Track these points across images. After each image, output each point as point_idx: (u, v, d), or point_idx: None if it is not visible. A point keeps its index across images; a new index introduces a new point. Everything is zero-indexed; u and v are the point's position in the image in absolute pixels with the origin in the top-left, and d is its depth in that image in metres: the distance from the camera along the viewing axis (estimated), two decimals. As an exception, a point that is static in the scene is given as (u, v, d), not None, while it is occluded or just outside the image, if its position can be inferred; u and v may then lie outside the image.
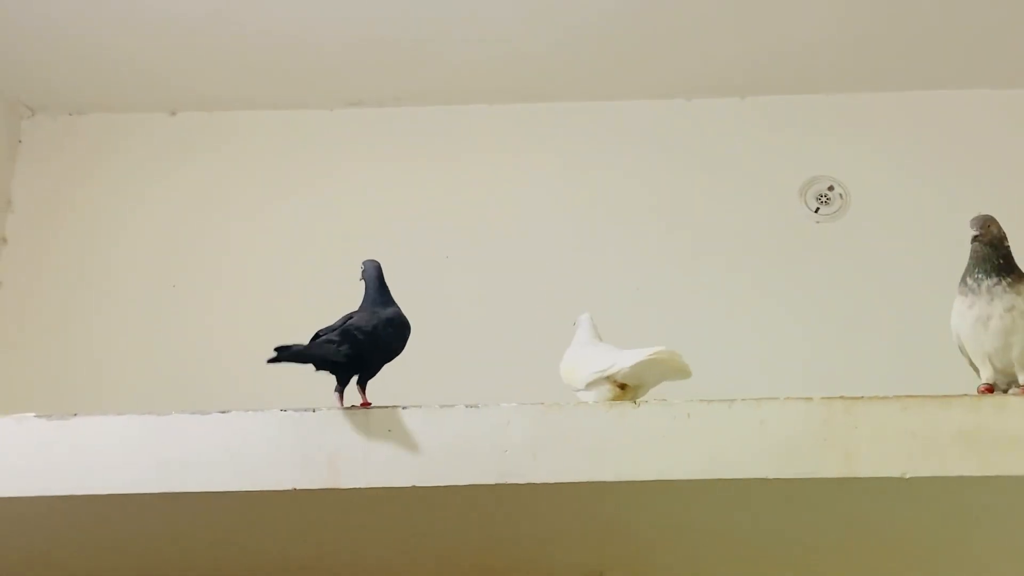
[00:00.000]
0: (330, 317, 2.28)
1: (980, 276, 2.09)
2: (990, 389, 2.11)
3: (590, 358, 2.15)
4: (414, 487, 1.97)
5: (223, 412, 2.03)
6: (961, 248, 2.13)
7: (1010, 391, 2.10)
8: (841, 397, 1.99)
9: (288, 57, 2.92)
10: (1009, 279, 2.07)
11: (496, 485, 1.97)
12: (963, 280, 2.11)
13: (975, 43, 2.88)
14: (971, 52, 2.91)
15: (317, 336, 2.09)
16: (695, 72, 2.98)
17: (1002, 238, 2.11)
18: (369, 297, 2.21)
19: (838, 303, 2.84)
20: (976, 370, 2.17)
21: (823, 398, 1.99)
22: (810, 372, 2.74)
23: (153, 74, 2.96)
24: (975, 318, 2.09)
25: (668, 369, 2.10)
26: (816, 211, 2.97)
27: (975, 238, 2.10)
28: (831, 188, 2.98)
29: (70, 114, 3.08)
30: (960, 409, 1.98)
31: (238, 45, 2.87)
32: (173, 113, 3.09)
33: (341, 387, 2.09)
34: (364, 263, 2.25)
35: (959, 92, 3.00)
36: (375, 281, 2.23)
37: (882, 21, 2.82)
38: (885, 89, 3.01)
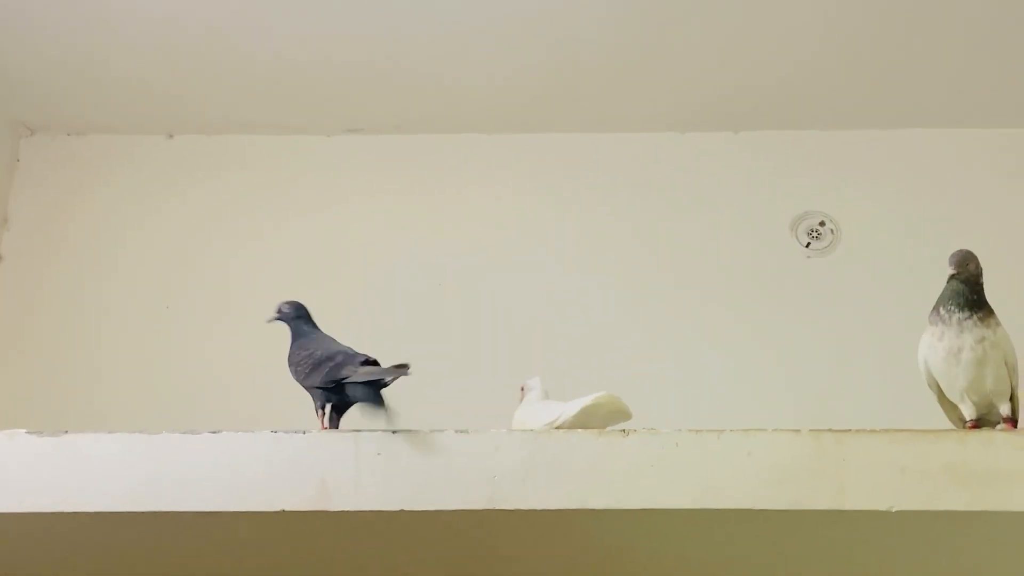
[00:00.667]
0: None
1: (952, 308, 2.12)
2: (976, 425, 2.13)
3: (538, 412, 2.20)
4: (403, 511, 1.97)
5: (214, 432, 2.03)
6: (950, 285, 2.15)
7: (998, 426, 2.12)
8: (830, 430, 2.00)
9: (287, 82, 2.93)
10: (980, 314, 2.11)
11: (485, 510, 1.97)
12: (935, 310, 2.14)
13: (965, 84, 2.91)
14: (961, 92, 2.94)
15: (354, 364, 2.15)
16: (689, 106, 3.00)
17: (978, 275, 2.14)
18: (315, 334, 2.27)
19: (828, 337, 2.85)
20: (944, 406, 2.20)
21: (812, 430, 2.00)
22: (799, 404, 2.74)
23: (152, 96, 2.97)
24: (946, 351, 2.11)
25: (610, 412, 2.13)
26: (807, 246, 2.99)
27: (953, 275, 2.13)
28: (822, 223, 2.99)
29: (68, 134, 3.08)
30: (948, 444, 1.99)
31: (237, 70, 2.88)
32: (171, 136, 3.10)
33: (323, 409, 2.14)
34: (289, 304, 2.31)
35: (949, 131, 3.02)
36: (309, 319, 2.30)
37: (875, 60, 2.85)
38: (877, 126, 3.03)
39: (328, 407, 2.16)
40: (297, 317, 2.31)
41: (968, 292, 2.12)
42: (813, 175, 3.04)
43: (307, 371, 2.20)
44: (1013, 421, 2.12)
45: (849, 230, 2.97)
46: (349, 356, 2.17)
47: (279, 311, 2.33)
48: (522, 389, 2.34)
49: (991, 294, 2.16)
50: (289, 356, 2.27)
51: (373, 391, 2.11)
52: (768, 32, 2.77)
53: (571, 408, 2.12)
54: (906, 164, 3.03)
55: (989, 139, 3.02)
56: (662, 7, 2.70)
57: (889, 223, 2.97)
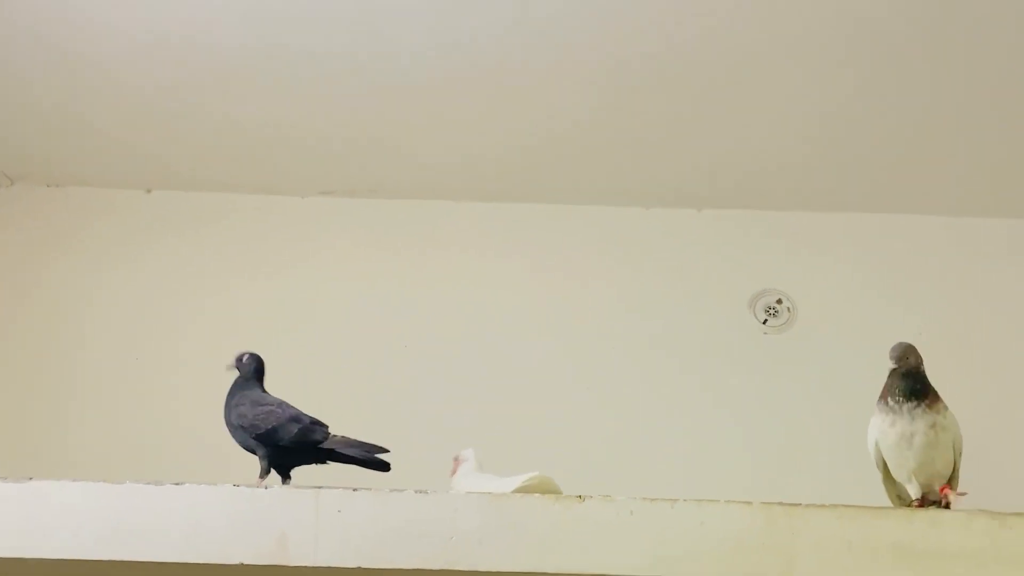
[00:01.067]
0: (290, 400, 2.33)
1: (900, 399, 2.18)
2: (922, 504, 2.19)
3: (472, 487, 2.21)
4: (360, 568, 1.99)
5: (177, 484, 2.05)
6: (902, 365, 2.21)
7: (946, 499, 2.17)
8: (780, 503, 2.04)
9: (264, 144, 2.95)
10: (927, 401, 2.17)
11: (441, 571, 1.99)
12: (883, 400, 2.20)
13: (923, 171, 2.96)
14: (918, 179, 2.99)
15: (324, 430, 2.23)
16: (654, 182, 3.04)
17: (919, 365, 2.20)
18: (263, 391, 2.32)
19: (782, 412, 2.89)
20: (887, 484, 2.25)
21: (763, 503, 2.04)
22: (754, 477, 2.78)
23: (131, 151, 2.98)
24: (899, 435, 2.17)
25: (543, 492, 2.14)
26: (764, 323, 3.03)
27: (894, 369, 2.19)
28: (779, 301, 3.04)
29: (48, 186, 3.09)
30: (895, 521, 2.04)
31: (216, 129, 2.90)
32: (149, 191, 3.11)
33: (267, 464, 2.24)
34: (251, 356, 2.36)
35: (906, 216, 3.08)
36: (262, 376, 2.35)
37: (835, 145, 2.90)
38: (836, 209, 3.08)
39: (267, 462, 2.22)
40: (256, 370, 2.35)
41: (912, 383, 2.18)
42: (772, 254, 3.08)
43: (270, 425, 2.23)
44: (948, 485, 2.18)
45: (805, 309, 3.02)
46: (317, 421, 2.23)
47: (239, 360, 2.36)
48: (455, 460, 2.36)
49: (944, 378, 2.23)
50: (236, 405, 2.29)
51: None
52: (732, 115, 2.82)
53: (503, 488, 2.14)
54: (863, 247, 3.08)
55: (945, 225, 3.08)
56: (631, 89, 2.75)
57: (844, 303, 3.02)
